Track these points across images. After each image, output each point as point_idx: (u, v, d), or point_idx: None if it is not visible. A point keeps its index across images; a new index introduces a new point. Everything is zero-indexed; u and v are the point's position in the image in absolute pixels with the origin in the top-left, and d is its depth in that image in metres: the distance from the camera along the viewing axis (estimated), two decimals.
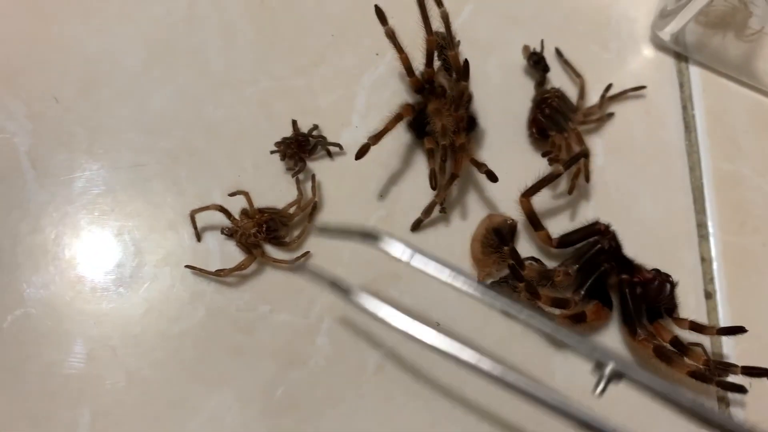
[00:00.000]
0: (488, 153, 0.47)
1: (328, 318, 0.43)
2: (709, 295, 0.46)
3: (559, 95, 0.47)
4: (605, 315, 0.42)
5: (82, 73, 0.46)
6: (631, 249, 0.44)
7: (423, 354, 0.42)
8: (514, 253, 0.40)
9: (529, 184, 0.42)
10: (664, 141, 0.49)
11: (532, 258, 0.44)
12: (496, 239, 0.42)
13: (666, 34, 0.50)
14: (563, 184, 0.46)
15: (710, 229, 0.47)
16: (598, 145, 0.48)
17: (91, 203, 0.43)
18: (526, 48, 0.49)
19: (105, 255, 0.42)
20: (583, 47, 0.51)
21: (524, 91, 0.49)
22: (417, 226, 0.45)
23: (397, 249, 0.31)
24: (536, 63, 0.48)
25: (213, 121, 0.46)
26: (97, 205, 0.43)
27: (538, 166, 0.46)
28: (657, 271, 0.43)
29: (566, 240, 0.43)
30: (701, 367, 0.39)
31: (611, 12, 0.52)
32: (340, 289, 0.32)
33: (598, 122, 0.48)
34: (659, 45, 0.51)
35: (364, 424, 0.41)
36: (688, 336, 0.42)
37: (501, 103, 0.49)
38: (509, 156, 0.47)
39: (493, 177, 0.41)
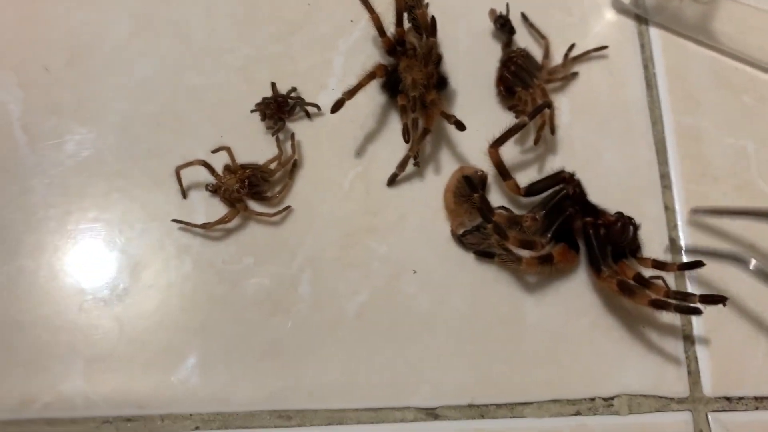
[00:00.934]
0: (458, 112, 0.49)
1: (309, 269, 0.45)
2: (673, 241, 0.48)
3: (524, 54, 0.49)
4: (572, 257, 0.44)
5: (70, 44, 0.48)
6: (598, 199, 0.46)
7: (400, 297, 0.44)
8: (484, 200, 0.42)
9: (497, 135, 0.44)
10: (627, 98, 0.52)
11: (502, 207, 0.46)
12: (467, 189, 0.44)
13: None
14: (531, 139, 0.48)
15: (673, 180, 0.50)
16: (564, 103, 0.51)
17: (80, 165, 0.45)
18: (492, 11, 0.51)
19: (95, 213, 0.44)
20: (548, 13, 0.53)
21: (492, 55, 0.51)
22: (393, 180, 0.47)
23: None
24: (502, 26, 0.50)
25: (195, 87, 0.48)
26: (85, 166, 0.45)
27: (506, 122, 0.48)
28: (620, 214, 0.45)
29: (533, 188, 0.45)
30: (661, 297, 0.41)
31: None
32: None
33: (563, 80, 0.50)
34: (620, 9, 0.54)
35: (345, 366, 0.43)
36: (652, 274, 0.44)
37: (470, 65, 0.51)
38: (479, 115, 0.49)
39: (461, 126, 0.43)
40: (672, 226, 0.49)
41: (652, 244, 0.48)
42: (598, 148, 0.50)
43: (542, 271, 0.43)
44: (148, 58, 0.48)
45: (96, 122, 0.46)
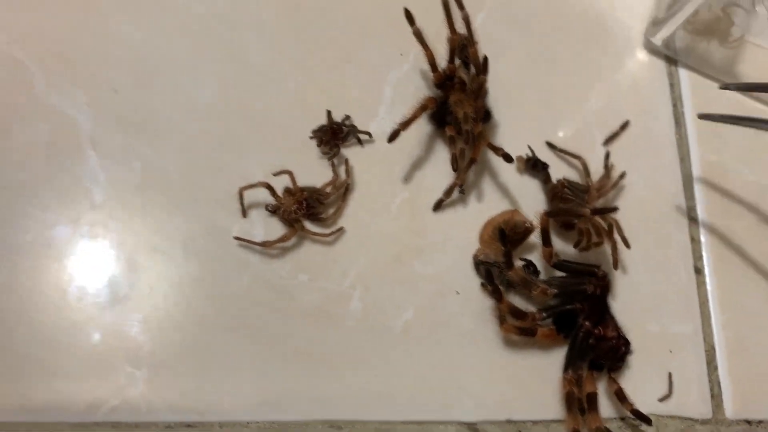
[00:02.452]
0: (499, 143, 0.53)
1: (360, 286, 0.48)
2: (699, 271, 0.51)
3: (566, 184, 0.49)
4: (556, 340, 0.46)
5: (137, 68, 0.51)
6: (628, 226, 0.49)
7: (443, 316, 0.47)
8: (508, 255, 0.44)
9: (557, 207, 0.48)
10: (656, 135, 0.55)
11: (530, 262, 0.48)
12: (505, 232, 0.47)
13: (658, 39, 0.56)
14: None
15: (699, 213, 0.53)
16: (598, 139, 0.54)
17: (146, 182, 0.48)
18: (519, 159, 0.51)
19: (158, 228, 0.47)
20: (583, 52, 0.56)
21: (532, 90, 0.54)
22: (438, 205, 0.50)
23: None
24: (534, 166, 0.51)
25: (255, 111, 0.51)
26: (152, 184, 0.48)
27: (545, 155, 0.52)
28: (620, 334, 0.46)
29: (563, 266, 0.47)
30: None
31: (609, 19, 0.58)
32: None
33: (614, 188, 0.51)
34: (652, 49, 0.57)
35: (391, 380, 0.46)
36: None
37: (511, 99, 0.54)
38: (518, 146, 0.52)
39: (508, 159, 0.46)
40: (698, 256, 0.52)
41: (678, 272, 0.51)
42: (629, 180, 0.53)
43: (521, 339, 0.46)
44: (210, 81, 0.51)
45: (161, 142, 0.49)
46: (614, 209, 0.44)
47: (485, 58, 0.46)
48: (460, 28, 0.47)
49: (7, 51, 0.49)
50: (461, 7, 0.46)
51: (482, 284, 0.48)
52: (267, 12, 0.53)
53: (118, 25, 0.51)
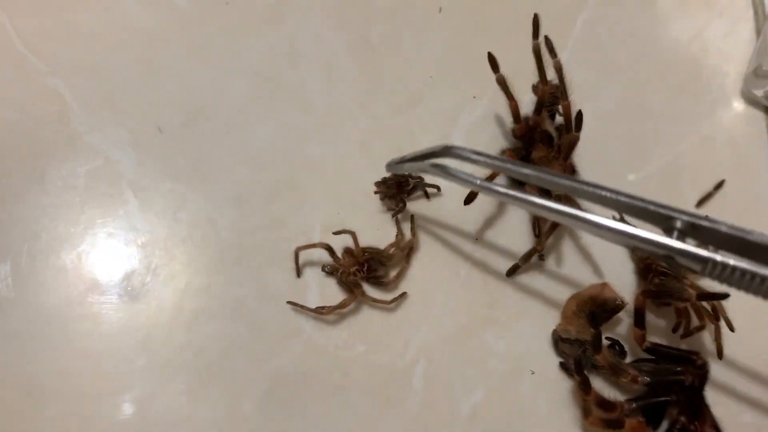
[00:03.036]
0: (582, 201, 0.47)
1: (423, 360, 0.43)
2: None
3: None
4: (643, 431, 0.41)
5: (187, 105, 0.46)
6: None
7: (516, 399, 0.42)
8: (597, 338, 0.39)
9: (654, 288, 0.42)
10: (754, 190, 0.49)
11: (617, 342, 0.43)
12: (596, 314, 0.42)
13: (758, 91, 0.50)
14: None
15: None
16: (690, 198, 0.48)
17: (192, 233, 0.43)
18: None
19: (208, 290, 0.42)
20: (675, 100, 0.51)
21: (619, 140, 0.49)
22: (513, 271, 0.45)
23: None
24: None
25: (313, 157, 0.46)
26: (196, 236, 0.43)
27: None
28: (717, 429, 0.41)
29: (657, 351, 0.41)
30: None
31: (703, 65, 0.52)
32: None
33: None
34: (750, 100, 0.51)
35: None
36: None
37: (596, 149, 0.49)
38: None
39: None
40: None
41: None
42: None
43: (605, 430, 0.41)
44: (266, 123, 0.47)
45: (210, 188, 0.44)
46: (725, 296, 0.39)
47: (579, 114, 0.41)
48: (552, 77, 0.42)
49: (46, 83, 0.45)
50: (553, 53, 0.41)
51: (562, 364, 0.43)
52: (332, 50, 0.49)
53: (169, 61, 0.47)
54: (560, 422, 0.42)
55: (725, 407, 0.43)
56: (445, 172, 0.38)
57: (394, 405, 0.42)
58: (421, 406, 0.42)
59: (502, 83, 0.42)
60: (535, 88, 0.45)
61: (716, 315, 0.40)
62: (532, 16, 0.41)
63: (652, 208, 0.33)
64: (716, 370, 0.44)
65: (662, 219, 0.33)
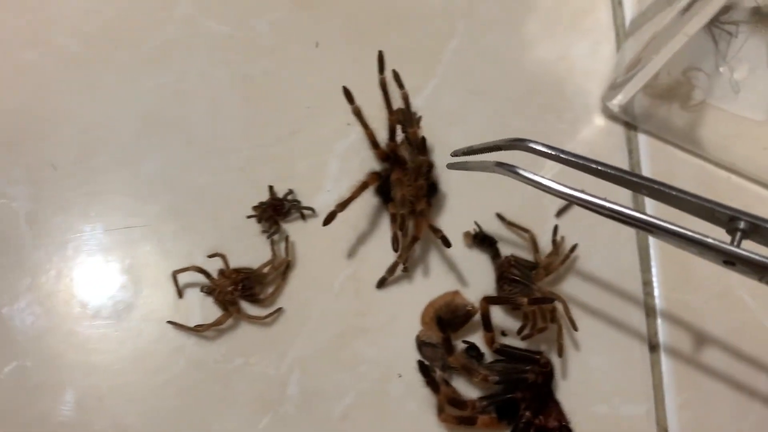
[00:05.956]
0: (450, 215, 0.51)
1: (298, 369, 0.46)
2: (654, 348, 0.50)
3: (513, 262, 0.48)
4: (498, 429, 0.45)
5: (79, 142, 0.50)
6: (580, 301, 0.48)
7: (385, 401, 0.46)
8: (447, 342, 0.43)
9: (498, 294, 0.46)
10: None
11: (472, 344, 0.47)
12: (443, 319, 0.45)
13: (615, 105, 0.54)
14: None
15: (655, 286, 0.51)
16: (551, 210, 0.52)
17: (84, 263, 0.47)
18: (467, 235, 0.50)
19: (95, 310, 0.46)
20: (540, 118, 0.55)
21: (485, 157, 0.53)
22: (382, 283, 0.49)
23: None
24: (482, 242, 0.49)
25: (198, 186, 0.50)
26: (88, 264, 0.47)
27: (495, 226, 0.50)
28: (562, 424, 0.45)
29: (505, 352, 0.45)
30: None
31: (567, 84, 0.56)
32: None
33: (563, 264, 0.49)
34: (610, 115, 0.55)
35: None
36: None
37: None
38: (468, 217, 0.51)
39: (447, 243, 0.45)
40: (653, 332, 0.50)
41: (633, 349, 0.50)
42: (582, 253, 0.51)
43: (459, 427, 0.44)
44: (153, 156, 0.51)
45: (101, 220, 0.48)
46: (551, 300, 0.43)
47: (423, 139, 0.45)
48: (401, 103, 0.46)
49: None
50: (401, 85, 0.45)
51: (419, 363, 0.46)
52: (216, 86, 0.53)
53: (61, 101, 0.51)
54: (427, 421, 0.46)
55: (579, 399, 0.48)
56: (511, 171, 0.38)
57: (271, 411, 0.45)
58: (295, 411, 0.46)
59: (358, 114, 0.46)
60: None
61: (553, 317, 0.45)
62: (377, 53, 0.45)
63: (716, 208, 0.34)
64: (573, 364, 0.49)
65: (726, 220, 0.34)
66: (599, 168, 0.37)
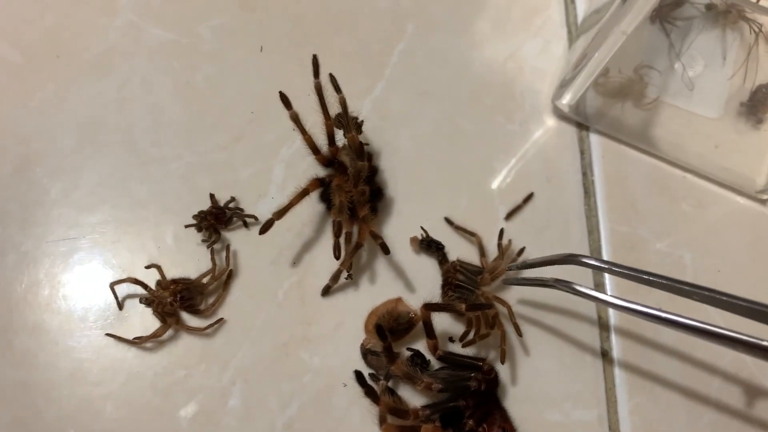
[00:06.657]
0: (398, 219, 0.51)
1: (240, 381, 0.46)
2: (605, 353, 0.49)
3: (459, 268, 0.47)
4: None
5: (18, 153, 0.49)
6: (531, 306, 0.47)
7: (329, 411, 0.45)
8: (388, 350, 0.42)
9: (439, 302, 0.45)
10: (564, 206, 0.52)
11: (417, 352, 0.46)
12: (383, 327, 0.44)
13: (564, 105, 0.53)
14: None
15: (608, 290, 0.50)
16: (501, 211, 0.52)
17: (22, 275, 0.46)
18: (413, 240, 0.49)
19: (35, 324, 0.46)
20: (490, 119, 0.54)
21: (434, 161, 0.52)
22: (326, 291, 0.48)
23: None
24: (428, 247, 0.49)
25: (139, 196, 0.49)
26: (27, 277, 0.46)
27: (443, 230, 0.49)
28: (505, 429, 0.44)
29: (449, 359, 0.44)
30: None
31: (517, 85, 0.55)
32: None
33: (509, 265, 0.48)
34: (561, 115, 0.55)
35: None
36: None
37: (411, 171, 0.52)
38: (417, 221, 0.50)
39: (386, 250, 0.44)
40: (604, 337, 0.49)
41: (584, 354, 0.49)
42: (533, 255, 0.51)
43: None
44: (93, 165, 0.50)
45: (40, 233, 0.47)
46: (490, 305, 0.42)
47: (361, 144, 0.44)
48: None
49: None
50: (338, 90, 0.45)
51: (356, 373, 0.45)
52: (158, 94, 0.52)
53: (2, 111, 0.50)
54: (372, 430, 0.45)
55: (530, 405, 0.47)
56: (570, 287, 0.41)
57: (213, 424, 0.45)
58: (237, 424, 0.45)
59: (295, 120, 0.45)
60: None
61: (494, 323, 0.44)
62: (312, 56, 0.44)
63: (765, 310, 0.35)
64: (523, 370, 0.48)
65: None
66: (651, 278, 0.39)
